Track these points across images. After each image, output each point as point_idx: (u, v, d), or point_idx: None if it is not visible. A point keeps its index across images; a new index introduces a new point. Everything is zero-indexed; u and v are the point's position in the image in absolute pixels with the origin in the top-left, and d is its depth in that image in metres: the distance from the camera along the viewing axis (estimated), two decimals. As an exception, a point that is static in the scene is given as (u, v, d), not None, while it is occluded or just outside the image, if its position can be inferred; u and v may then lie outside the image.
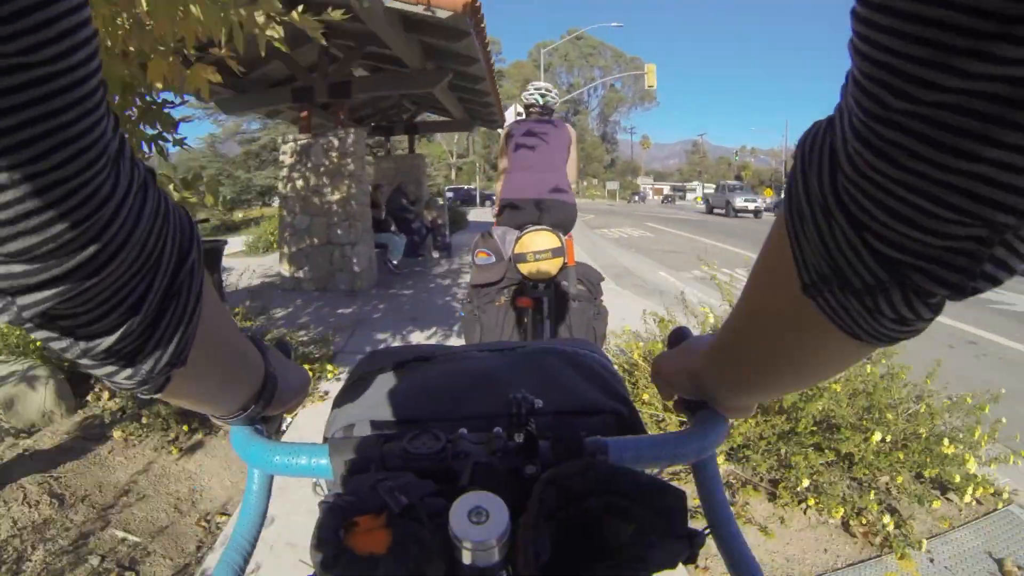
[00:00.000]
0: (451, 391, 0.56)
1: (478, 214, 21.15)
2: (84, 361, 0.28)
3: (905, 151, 0.20)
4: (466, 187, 34.34)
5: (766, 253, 0.32)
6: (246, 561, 0.47)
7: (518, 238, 2.33)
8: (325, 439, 0.55)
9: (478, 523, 0.36)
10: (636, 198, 49.48)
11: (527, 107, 2.74)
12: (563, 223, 2.48)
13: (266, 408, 0.47)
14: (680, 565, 0.39)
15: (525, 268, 2.31)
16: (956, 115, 0.18)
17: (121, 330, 0.27)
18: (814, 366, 0.34)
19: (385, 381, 0.59)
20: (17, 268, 0.22)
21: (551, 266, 2.29)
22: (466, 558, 0.36)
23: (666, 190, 59.78)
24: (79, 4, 0.20)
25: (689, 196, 64.66)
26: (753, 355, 0.38)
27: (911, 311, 0.25)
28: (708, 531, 0.42)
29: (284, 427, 0.57)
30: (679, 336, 0.55)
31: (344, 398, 0.59)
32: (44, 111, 0.20)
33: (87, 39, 0.21)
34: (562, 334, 2.35)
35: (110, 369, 0.29)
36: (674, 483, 0.41)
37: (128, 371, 0.29)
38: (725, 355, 0.42)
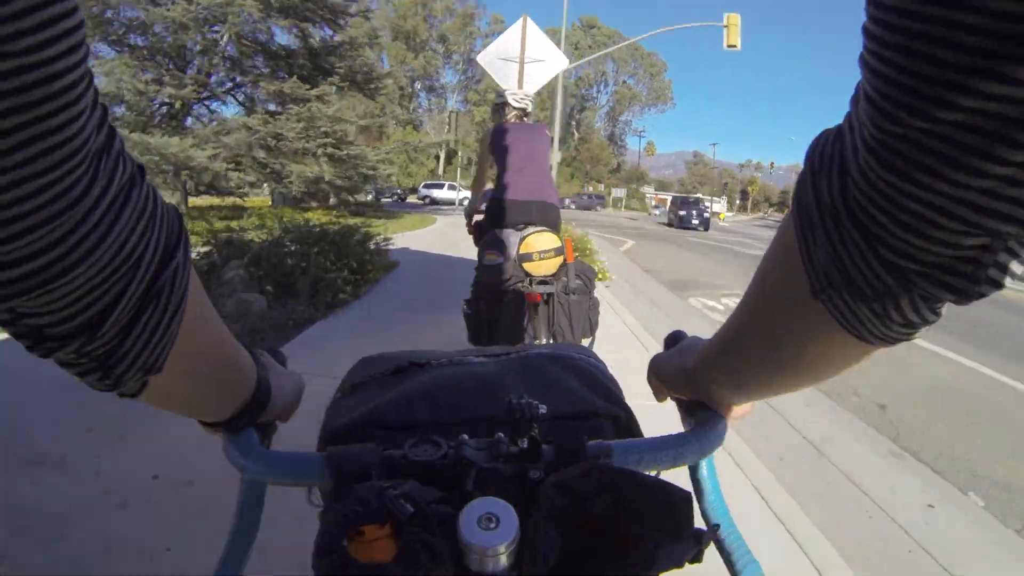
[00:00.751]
0: (449, 396, 0.56)
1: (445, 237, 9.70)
2: (52, 358, 0.26)
3: (917, 166, 0.20)
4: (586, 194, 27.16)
5: (774, 254, 0.32)
6: None
7: (522, 239, 2.56)
8: (320, 447, 0.54)
9: (488, 529, 0.35)
10: (696, 222, 22.68)
11: (503, 108, 2.94)
12: (555, 224, 2.73)
13: (259, 416, 0.46)
14: (687, 564, 0.39)
15: (530, 267, 2.57)
16: (969, 134, 0.18)
17: (91, 332, 0.25)
18: (817, 366, 0.35)
19: (381, 387, 0.59)
20: None
21: (553, 264, 2.59)
22: (475, 564, 0.35)
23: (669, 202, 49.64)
24: None
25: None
26: (756, 354, 0.38)
27: (917, 315, 0.26)
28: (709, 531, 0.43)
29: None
30: (676, 338, 0.56)
31: (339, 405, 0.58)
32: (16, 103, 0.19)
33: (70, 30, 0.20)
34: (562, 324, 2.60)
35: (79, 370, 0.27)
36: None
37: (98, 374, 0.28)
38: (726, 354, 0.43)
